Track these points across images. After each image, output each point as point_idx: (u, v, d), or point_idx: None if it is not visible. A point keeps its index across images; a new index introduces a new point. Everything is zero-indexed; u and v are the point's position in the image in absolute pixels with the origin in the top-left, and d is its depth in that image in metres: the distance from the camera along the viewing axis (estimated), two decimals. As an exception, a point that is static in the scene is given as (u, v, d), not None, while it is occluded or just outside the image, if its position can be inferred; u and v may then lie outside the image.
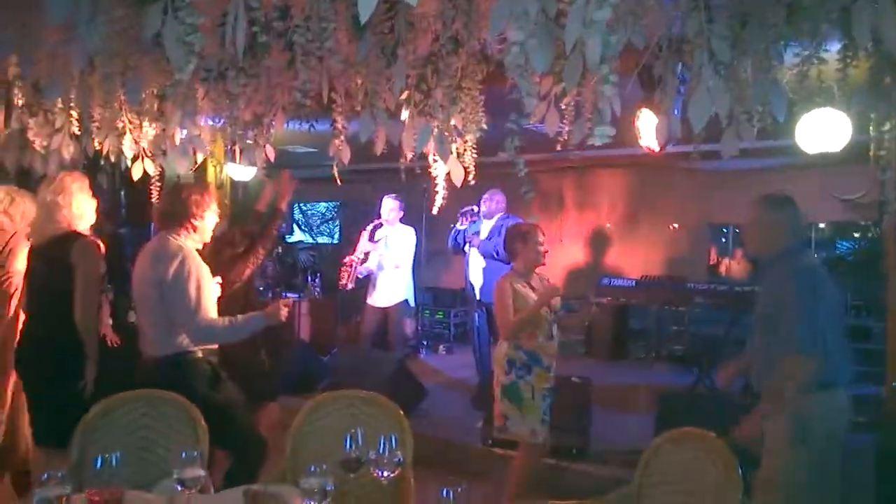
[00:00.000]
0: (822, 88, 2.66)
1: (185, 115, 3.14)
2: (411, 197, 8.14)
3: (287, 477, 2.41)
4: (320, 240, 9.60)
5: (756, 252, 2.90)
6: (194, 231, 2.98)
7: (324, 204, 9.68)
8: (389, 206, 5.91)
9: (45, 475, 1.57)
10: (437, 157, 3.08)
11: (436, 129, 2.85)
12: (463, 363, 6.57)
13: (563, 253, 8.35)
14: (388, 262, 5.87)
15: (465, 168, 3.14)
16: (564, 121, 2.77)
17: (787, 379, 2.45)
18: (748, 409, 2.62)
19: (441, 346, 7.90)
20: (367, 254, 5.95)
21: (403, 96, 2.94)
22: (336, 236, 9.50)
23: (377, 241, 5.94)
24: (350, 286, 6.02)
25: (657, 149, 3.56)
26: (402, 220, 6.02)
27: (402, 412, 2.45)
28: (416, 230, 6.12)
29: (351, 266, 5.91)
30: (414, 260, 6.05)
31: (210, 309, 2.87)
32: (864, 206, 6.36)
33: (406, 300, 6.03)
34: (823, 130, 3.49)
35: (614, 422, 4.75)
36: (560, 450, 4.02)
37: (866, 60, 2.53)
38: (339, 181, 3.32)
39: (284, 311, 2.98)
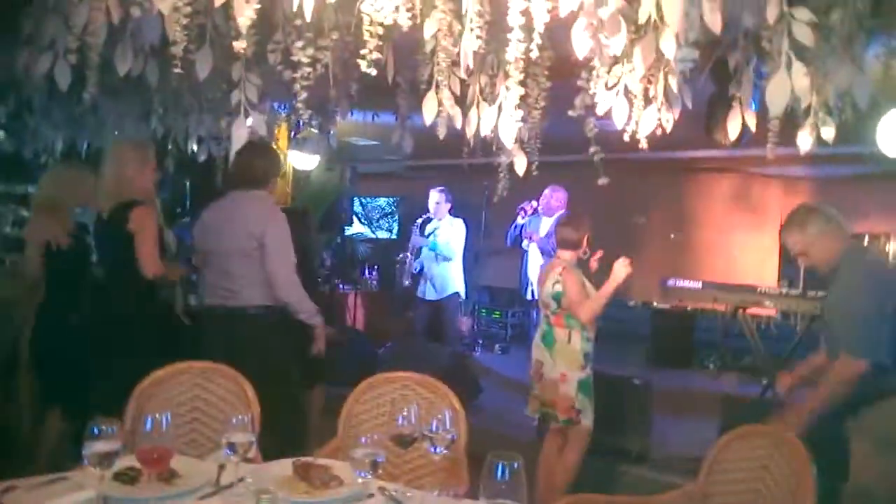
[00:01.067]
0: (905, 86, 2.51)
1: (248, 96, 3.16)
2: (471, 194, 8.13)
3: (339, 456, 2.38)
4: (379, 234, 9.66)
5: (821, 268, 2.72)
6: (272, 192, 3.27)
7: (384, 199, 9.73)
8: (435, 199, 5.92)
9: (95, 429, 1.56)
10: (500, 147, 3.02)
11: (501, 113, 2.78)
12: (518, 363, 6.47)
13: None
14: (436, 250, 5.86)
15: (528, 159, 3.07)
16: (633, 112, 2.67)
17: (836, 377, 2.39)
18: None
19: (497, 346, 7.81)
20: (419, 249, 5.95)
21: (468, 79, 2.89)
22: (394, 231, 9.54)
23: (427, 236, 5.94)
24: (407, 282, 6.03)
25: (729, 142, 3.40)
26: (458, 216, 6.00)
27: (455, 396, 2.39)
28: (470, 226, 6.10)
29: (405, 262, 5.95)
30: (465, 253, 6.03)
31: None
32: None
33: (457, 293, 6.02)
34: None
35: (676, 427, 4.57)
36: (620, 453, 3.89)
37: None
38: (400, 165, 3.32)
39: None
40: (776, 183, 7.31)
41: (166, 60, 2.88)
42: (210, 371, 2.46)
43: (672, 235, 8.08)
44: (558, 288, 3.50)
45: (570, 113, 2.19)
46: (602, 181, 2.41)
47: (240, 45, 1.80)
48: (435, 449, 1.69)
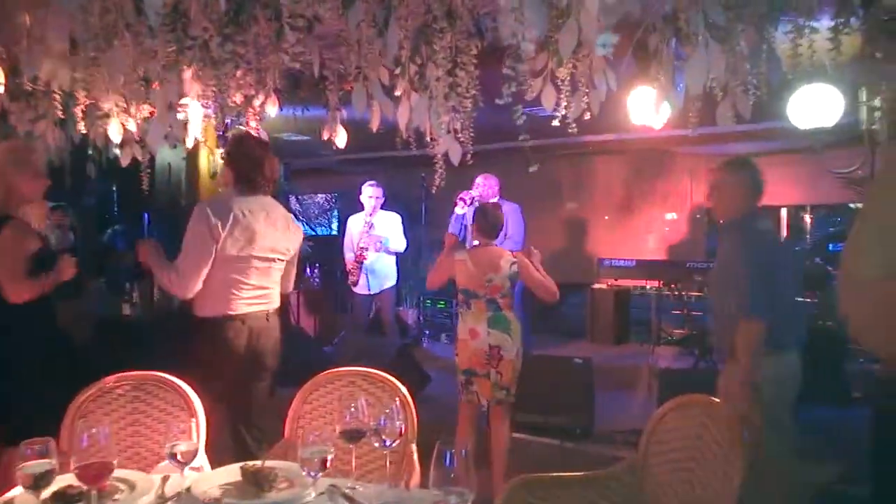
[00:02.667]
0: (813, 62, 2.64)
1: (169, 94, 3.06)
2: (409, 186, 8.11)
3: (288, 457, 2.36)
4: (319, 230, 9.55)
5: (720, 215, 2.92)
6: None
7: (321, 195, 9.61)
8: (368, 193, 5.89)
9: (27, 449, 1.50)
10: (434, 137, 3.03)
11: (432, 102, 2.79)
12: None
13: (561, 237, 8.33)
14: (386, 246, 5.85)
15: (462, 147, 3.09)
16: (561, 97, 2.73)
17: (742, 341, 2.53)
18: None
19: (443, 335, 7.85)
20: (363, 248, 5.92)
21: (397, 70, 2.88)
22: (334, 227, 9.44)
23: (369, 231, 5.90)
24: (362, 282, 5.99)
25: (657, 126, 3.50)
26: (398, 209, 6.00)
27: (403, 388, 2.40)
28: (411, 217, 6.11)
29: (357, 264, 5.90)
30: (408, 245, 6.04)
31: None
32: (857, 181, 6.35)
33: (395, 285, 6.07)
34: (815, 105, 3.48)
35: (618, 402, 4.71)
36: (565, 431, 3.98)
37: (857, 32, 2.52)
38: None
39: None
40: (701, 161, 7.56)
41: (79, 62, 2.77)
42: (149, 381, 2.39)
43: (569, 205, 8.29)
44: (515, 269, 3.59)
45: (498, 101, 2.21)
46: (532, 168, 2.46)
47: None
48: (385, 443, 1.69)
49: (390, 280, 6.02)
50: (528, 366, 3.73)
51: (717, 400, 2.00)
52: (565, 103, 2.72)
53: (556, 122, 2.96)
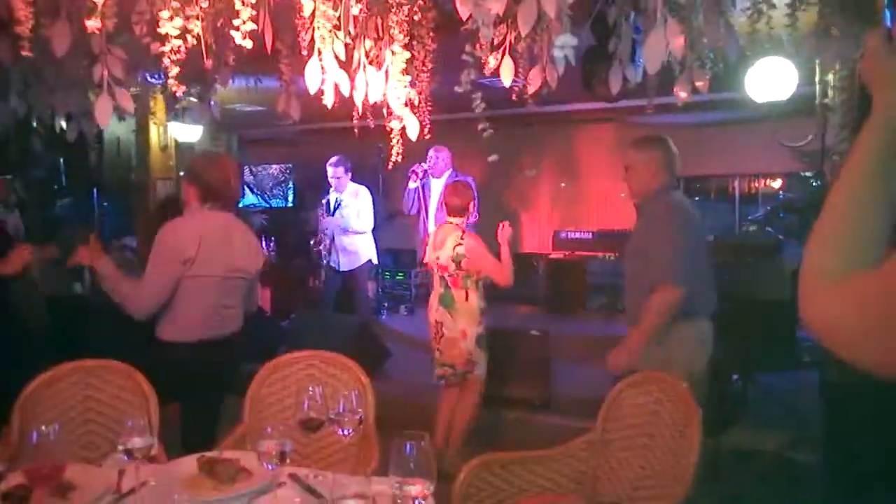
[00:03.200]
0: (770, 36, 2.67)
1: (112, 67, 2.93)
2: (366, 157, 8.00)
3: (246, 442, 2.34)
4: (273, 203, 9.37)
5: (635, 192, 2.95)
6: None
7: (276, 166, 9.41)
8: (332, 173, 5.81)
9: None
10: (390, 111, 2.98)
11: (389, 78, 2.73)
12: (424, 323, 6.53)
13: (517, 209, 8.36)
14: (346, 227, 5.77)
15: (420, 121, 3.04)
16: (520, 72, 2.71)
17: (657, 307, 2.58)
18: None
19: (402, 307, 7.84)
20: (323, 234, 5.86)
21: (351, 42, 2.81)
22: (290, 199, 9.28)
23: (334, 212, 5.82)
24: (327, 261, 5.92)
25: (612, 98, 3.51)
26: (354, 180, 5.91)
27: (362, 370, 2.39)
28: (370, 191, 6.02)
29: (321, 244, 5.83)
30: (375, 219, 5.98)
31: None
32: (809, 154, 6.51)
33: (369, 260, 5.99)
34: (771, 79, 3.54)
35: (575, 372, 4.78)
36: (522, 403, 4.03)
37: (813, 8, 2.54)
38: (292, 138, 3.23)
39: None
40: (654, 131, 7.64)
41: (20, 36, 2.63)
42: (101, 369, 2.34)
43: (562, 183, 8.33)
44: (460, 250, 3.58)
45: (458, 89, 2.18)
46: (492, 158, 2.47)
47: (93, 25, 1.64)
48: (343, 431, 1.68)
49: (360, 257, 5.92)
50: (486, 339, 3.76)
51: (673, 378, 2.03)
52: (524, 77, 2.71)
53: (513, 97, 2.95)
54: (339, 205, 5.82)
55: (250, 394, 2.43)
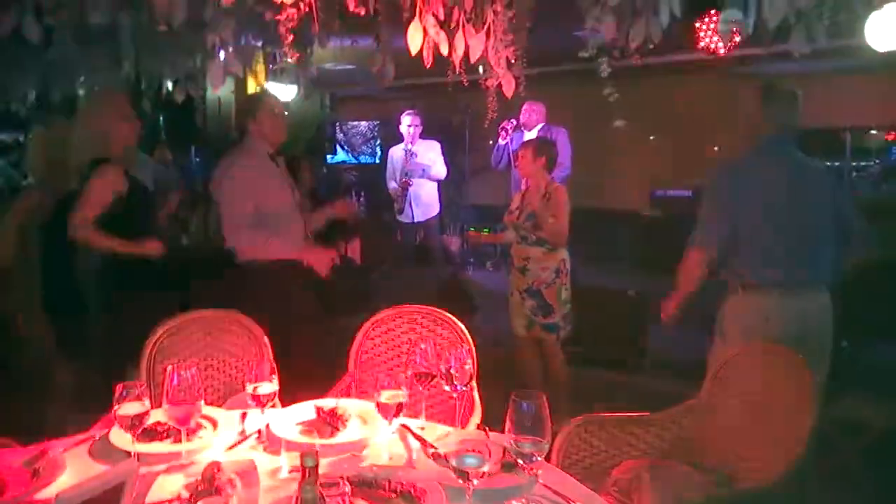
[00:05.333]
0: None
1: (223, 33, 3.04)
2: (452, 113, 7.99)
3: (351, 392, 2.46)
4: (362, 159, 9.54)
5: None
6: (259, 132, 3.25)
7: (364, 123, 9.55)
8: (407, 123, 5.86)
9: (123, 390, 1.59)
10: (487, 69, 2.96)
11: (490, 37, 2.71)
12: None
13: (612, 165, 8.17)
14: (427, 171, 5.87)
15: (515, 78, 3.01)
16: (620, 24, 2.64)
17: (682, 269, 2.64)
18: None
19: (488, 263, 7.91)
20: (407, 175, 5.92)
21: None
22: (377, 156, 9.43)
23: (411, 160, 5.89)
24: (407, 210, 6.02)
25: (722, 51, 3.36)
26: (440, 138, 5.97)
27: (464, 326, 2.45)
28: (454, 145, 6.08)
29: (402, 192, 5.92)
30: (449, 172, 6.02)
31: None
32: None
33: (440, 213, 6.12)
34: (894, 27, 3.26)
35: (671, 334, 4.71)
36: (616, 362, 4.03)
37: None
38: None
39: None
40: (757, 82, 7.23)
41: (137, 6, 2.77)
42: (221, 319, 2.49)
43: (652, 137, 8.02)
44: (544, 204, 3.64)
45: (582, 54, 2.14)
46: (613, 96, 2.42)
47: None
48: (456, 386, 1.74)
49: (434, 208, 6.09)
50: (580, 297, 3.77)
51: (788, 349, 1.97)
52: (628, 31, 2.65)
53: (617, 52, 2.87)
54: (415, 155, 5.87)
55: (355, 346, 2.53)
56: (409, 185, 5.89)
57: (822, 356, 2.47)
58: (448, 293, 5.16)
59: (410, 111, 5.94)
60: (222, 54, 3.28)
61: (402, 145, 5.96)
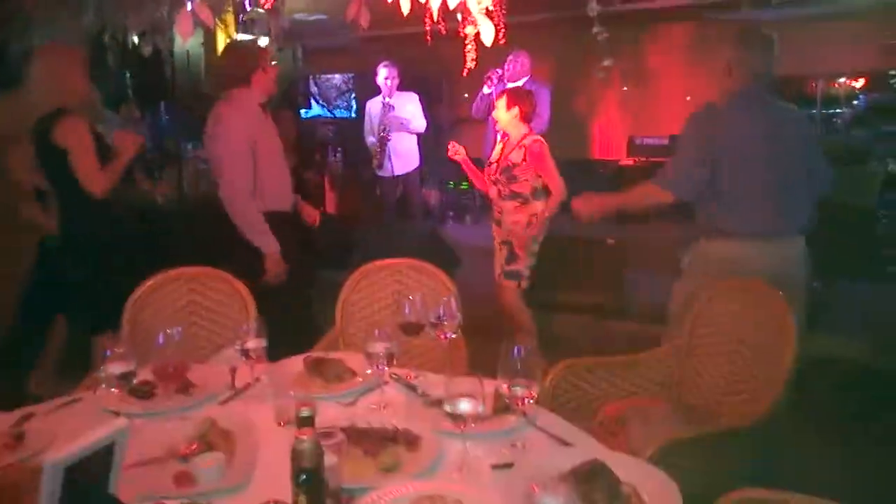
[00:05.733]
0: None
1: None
2: (428, 64, 7.84)
3: (338, 345, 2.46)
4: (337, 113, 9.36)
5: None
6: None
7: (338, 76, 9.33)
8: (384, 75, 5.74)
9: (107, 352, 1.57)
10: (465, 17, 2.90)
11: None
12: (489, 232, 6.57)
13: (589, 114, 8.13)
14: (406, 123, 5.79)
15: (495, 25, 2.96)
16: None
17: (640, 192, 2.75)
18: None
19: (467, 217, 7.89)
20: (384, 129, 5.82)
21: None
22: (353, 109, 9.26)
23: (389, 113, 5.80)
24: (386, 164, 5.95)
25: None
26: (417, 89, 5.86)
27: (448, 278, 2.45)
28: (431, 97, 5.96)
29: (381, 146, 5.83)
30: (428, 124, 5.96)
31: None
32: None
33: (419, 166, 6.03)
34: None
35: (647, 280, 4.78)
36: (596, 308, 4.08)
37: None
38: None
39: None
40: (733, 28, 7.19)
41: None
42: (203, 276, 2.46)
43: (625, 88, 7.99)
44: (513, 156, 3.62)
45: None
46: (601, 36, 2.39)
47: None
48: (445, 335, 1.75)
49: (414, 161, 6.01)
50: (560, 245, 3.79)
51: (766, 284, 2.00)
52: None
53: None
54: (392, 108, 5.78)
55: (341, 299, 2.52)
56: (388, 139, 5.81)
57: (796, 301, 2.50)
58: (428, 248, 5.15)
59: (386, 63, 5.80)
60: (189, 4, 3.17)
61: (379, 98, 5.85)
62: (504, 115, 3.65)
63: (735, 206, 2.51)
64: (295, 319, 2.93)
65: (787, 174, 2.52)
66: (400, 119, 5.75)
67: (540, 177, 3.61)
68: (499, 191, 3.70)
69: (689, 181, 2.54)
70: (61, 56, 2.97)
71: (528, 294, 3.77)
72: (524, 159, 3.58)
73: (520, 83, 5.35)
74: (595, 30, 2.28)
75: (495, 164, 3.72)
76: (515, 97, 3.68)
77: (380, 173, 5.99)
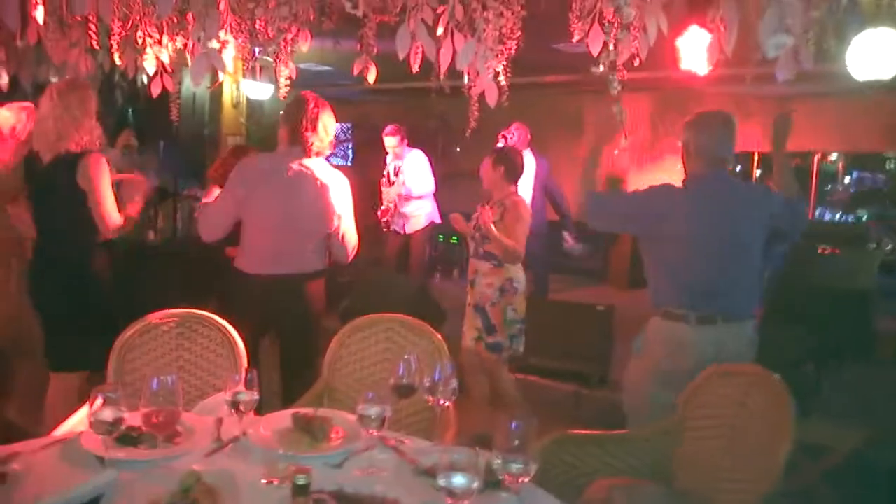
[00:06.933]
0: (879, 5, 2.53)
1: (208, 28, 2.99)
2: (425, 120, 7.98)
3: (323, 400, 2.42)
4: (333, 160, 9.45)
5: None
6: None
7: (337, 125, 9.45)
8: (391, 143, 5.87)
9: (98, 396, 1.54)
10: (472, 78, 2.96)
11: (479, 45, 2.71)
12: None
13: (577, 176, 8.27)
14: (408, 194, 5.88)
15: (498, 87, 3.03)
16: (610, 38, 2.65)
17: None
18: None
19: (455, 271, 7.91)
20: (391, 203, 5.91)
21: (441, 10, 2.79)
22: (349, 158, 9.36)
23: (394, 179, 5.89)
24: (396, 228, 5.99)
25: (703, 72, 3.40)
26: (412, 144, 5.95)
27: (441, 339, 2.43)
28: (429, 152, 6.05)
29: (389, 214, 5.88)
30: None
31: None
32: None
33: (433, 221, 6.07)
34: (876, 54, 3.30)
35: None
36: (582, 377, 4.05)
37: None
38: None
39: None
40: (729, 101, 7.38)
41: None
42: (193, 319, 2.43)
43: (616, 152, 8.13)
44: (499, 217, 3.58)
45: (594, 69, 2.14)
46: (617, 110, 2.42)
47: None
48: (440, 401, 1.73)
49: (425, 219, 6.03)
50: (546, 310, 3.77)
51: (765, 370, 2.00)
52: (612, 46, 2.65)
53: (601, 67, 2.89)
54: (399, 171, 5.87)
55: (329, 353, 2.49)
56: (386, 213, 5.90)
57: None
58: (415, 301, 5.13)
59: (389, 129, 5.87)
60: (203, 49, 3.22)
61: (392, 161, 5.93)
62: (490, 175, 3.65)
63: (675, 290, 2.50)
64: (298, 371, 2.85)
65: (734, 261, 2.50)
66: (400, 192, 5.83)
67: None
68: (475, 248, 3.65)
69: (612, 223, 2.63)
70: (81, 93, 2.97)
71: (513, 360, 3.74)
72: (501, 218, 3.53)
73: (525, 151, 5.47)
74: (615, 109, 2.32)
75: (474, 220, 3.67)
76: (502, 156, 3.69)
77: (394, 229, 6.04)
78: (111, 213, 2.91)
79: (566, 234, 5.61)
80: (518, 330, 3.59)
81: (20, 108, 3.34)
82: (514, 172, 3.67)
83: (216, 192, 2.97)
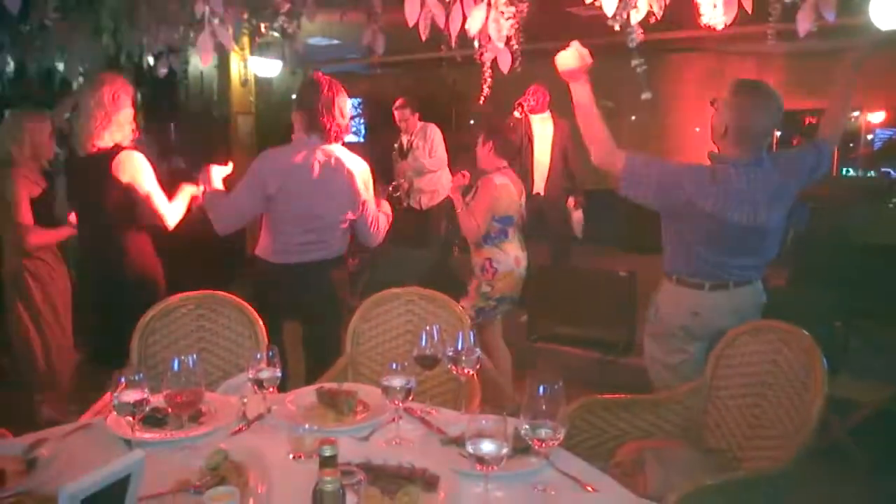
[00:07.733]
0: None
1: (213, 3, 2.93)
2: (436, 91, 7.89)
3: (347, 373, 2.41)
4: (346, 138, 9.41)
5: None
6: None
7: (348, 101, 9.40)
8: (402, 117, 5.78)
9: (122, 378, 1.53)
10: (483, 44, 2.90)
11: (491, 10, 2.64)
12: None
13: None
14: (420, 169, 5.82)
15: (511, 53, 2.96)
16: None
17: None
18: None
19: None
20: (405, 178, 5.86)
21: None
22: (361, 134, 9.30)
23: (407, 154, 5.83)
24: (408, 203, 5.95)
25: (720, 26, 3.30)
26: (424, 115, 5.86)
27: (462, 309, 2.41)
28: (437, 122, 5.96)
29: (402, 190, 5.83)
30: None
31: None
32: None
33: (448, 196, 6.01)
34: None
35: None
36: (607, 345, 4.02)
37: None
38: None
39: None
40: (751, 60, 7.21)
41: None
42: (212, 300, 2.42)
43: (633, 118, 7.96)
44: (471, 196, 3.55)
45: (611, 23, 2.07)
46: (641, 67, 2.31)
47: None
48: (464, 370, 1.71)
49: (441, 194, 5.89)
50: (568, 279, 3.73)
51: (795, 326, 1.95)
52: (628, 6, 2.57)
53: (616, 27, 2.80)
54: (410, 147, 5.81)
55: (351, 327, 2.48)
56: (397, 189, 5.84)
57: None
58: (439, 274, 5.12)
59: (398, 103, 5.77)
60: (209, 27, 3.17)
61: (403, 135, 5.87)
62: (479, 150, 3.54)
63: (695, 262, 2.42)
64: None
65: (766, 237, 2.40)
66: (413, 166, 5.77)
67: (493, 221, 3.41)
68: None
69: (643, 193, 2.45)
70: (121, 88, 2.94)
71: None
72: (472, 196, 3.44)
73: (545, 115, 5.36)
74: (635, 62, 2.24)
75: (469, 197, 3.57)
76: (491, 131, 3.56)
77: (412, 205, 5.99)
78: (167, 210, 2.94)
79: (570, 198, 5.46)
80: (492, 306, 3.52)
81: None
82: (505, 148, 3.53)
83: (214, 173, 2.88)
